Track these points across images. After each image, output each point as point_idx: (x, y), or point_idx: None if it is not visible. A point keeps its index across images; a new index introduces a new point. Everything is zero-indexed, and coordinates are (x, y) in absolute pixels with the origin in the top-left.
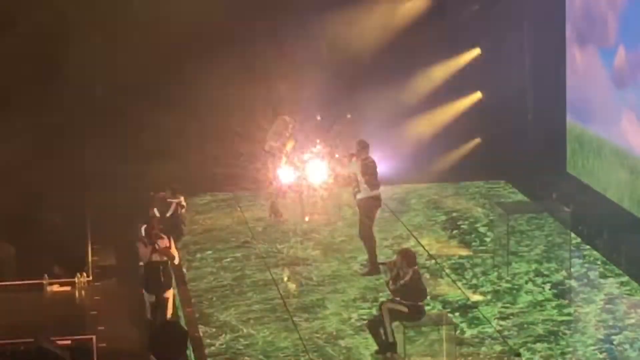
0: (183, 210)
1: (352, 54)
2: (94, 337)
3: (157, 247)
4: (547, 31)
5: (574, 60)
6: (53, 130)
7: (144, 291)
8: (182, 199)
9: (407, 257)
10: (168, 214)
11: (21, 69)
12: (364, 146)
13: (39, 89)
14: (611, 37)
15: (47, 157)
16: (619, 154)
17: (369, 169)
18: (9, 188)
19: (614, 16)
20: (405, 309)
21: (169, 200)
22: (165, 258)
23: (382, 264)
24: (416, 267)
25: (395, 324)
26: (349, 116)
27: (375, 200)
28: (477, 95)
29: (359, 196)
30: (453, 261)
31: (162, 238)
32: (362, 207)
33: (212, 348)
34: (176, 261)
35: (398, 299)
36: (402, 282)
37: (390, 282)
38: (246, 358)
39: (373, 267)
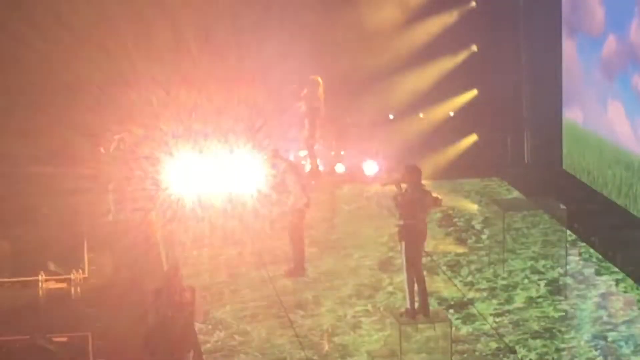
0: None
1: (347, 50)
2: (89, 334)
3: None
4: (542, 27)
5: (567, 54)
6: (50, 127)
7: None
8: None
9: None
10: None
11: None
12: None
13: (38, 85)
14: (599, 26)
15: (43, 153)
16: (614, 151)
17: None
18: (4, 185)
19: (601, 5)
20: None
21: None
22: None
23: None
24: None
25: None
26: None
27: (306, 207)
28: (473, 92)
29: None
30: (449, 258)
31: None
32: (295, 213)
33: (208, 345)
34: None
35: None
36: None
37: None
38: (242, 355)
39: (297, 268)
